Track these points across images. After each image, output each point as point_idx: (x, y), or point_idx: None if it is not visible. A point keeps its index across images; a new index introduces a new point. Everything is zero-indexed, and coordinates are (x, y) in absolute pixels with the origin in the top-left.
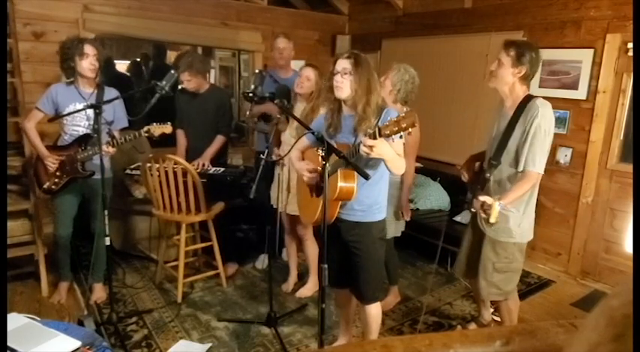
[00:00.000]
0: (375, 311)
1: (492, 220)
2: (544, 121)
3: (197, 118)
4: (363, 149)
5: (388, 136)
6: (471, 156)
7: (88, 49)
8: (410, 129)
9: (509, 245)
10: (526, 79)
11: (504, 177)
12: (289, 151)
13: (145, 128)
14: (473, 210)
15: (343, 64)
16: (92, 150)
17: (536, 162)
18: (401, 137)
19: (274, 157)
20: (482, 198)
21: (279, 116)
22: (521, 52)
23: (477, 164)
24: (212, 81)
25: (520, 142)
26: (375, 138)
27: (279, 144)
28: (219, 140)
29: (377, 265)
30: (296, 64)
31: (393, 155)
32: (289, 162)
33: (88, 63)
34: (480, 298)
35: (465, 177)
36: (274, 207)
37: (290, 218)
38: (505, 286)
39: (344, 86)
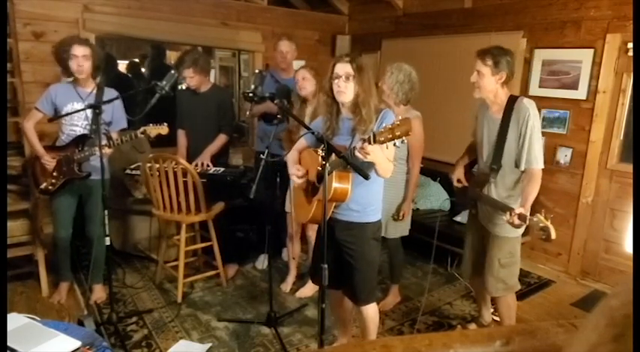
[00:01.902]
0: (371, 312)
1: (554, 236)
2: (536, 120)
3: (198, 118)
4: (358, 153)
5: (382, 143)
6: (458, 163)
7: (76, 51)
8: (404, 138)
9: (513, 239)
10: (507, 82)
11: (509, 180)
12: (288, 152)
13: (141, 129)
14: (473, 211)
15: (345, 68)
16: (89, 150)
17: (538, 160)
18: (395, 145)
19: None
20: (518, 210)
21: (279, 116)
22: (497, 60)
23: (468, 166)
24: (212, 81)
25: (518, 143)
26: (370, 143)
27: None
28: (220, 138)
29: (371, 266)
30: (297, 64)
31: (383, 160)
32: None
33: (75, 64)
34: (487, 295)
35: (457, 183)
36: (287, 212)
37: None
38: (509, 280)
39: (347, 90)
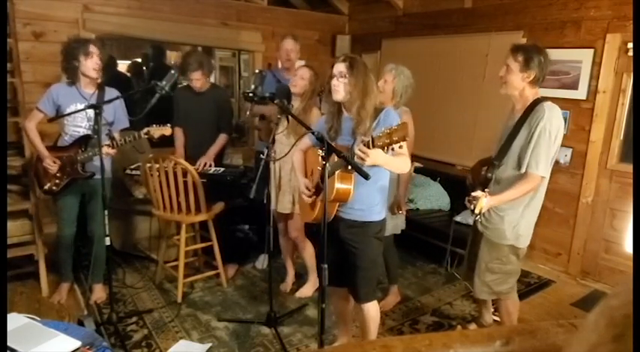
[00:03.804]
0: (373, 311)
1: (476, 211)
2: (549, 124)
3: (197, 117)
4: (357, 159)
5: (381, 147)
6: (479, 161)
7: (94, 49)
8: (401, 143)
9: (503, 247)
10: (536, 82)
11: (505, 178)
12: (289, 151)
13: (145, 129)
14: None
15: (340, 67)
16: (92, 151)
17: (539, 165)
18: (392, 149)
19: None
20: (473, 193)
21: (279, 116)
22: (529, 57)
23: (484, 168)
24: (212, 81)
25: (524, 144)
26: (369, 147)
27: (272, 141)
28: (222, 138)
29: (373, 264)
30: (297, 64)
31: (386, 160)
32: (291, 162)
33: (93, 62)
34: (475, 296)
35: (470, 180)
36: (271, 205)
37: (281, 217)
38: (496, 287)
39: (340, 89)
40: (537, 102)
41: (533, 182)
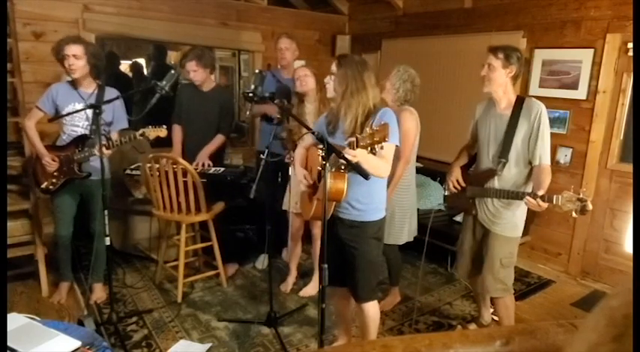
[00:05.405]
0: (372, 311)
1: (590, 207)
2: (545, 118)
3: (199, 116)
4: (346, 156)
5: (364, 148)
6: (454, 164)
7: (67, 50)
8: (382, 144)
9: (513, 240)
10: (516, 78)
11: (513, 175)
12: (289, 152)
13: (140, 131)
14: (474, 212)
15: (332, 65)
16: (89, 151)
17: (548, 156)
18: (374, 150)
19: (287, 159)
20: (540, 192)
21: (278, 116)
22: (508, 54)
23: (464, 168)
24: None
25: (530, 139)
26: (353, 148)
27: (294, 147)
28: (218, 139)
29: (372, 264)
30: (297, 65)
31: (366, 157)
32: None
33: (67, 64)
34: (485, 296)
35: (455, 183)
36: (288, 211)
37: (302, 218)
38: (509, 281)
39: (329, 87)
40: (522, 99)
41: (549, 171)
